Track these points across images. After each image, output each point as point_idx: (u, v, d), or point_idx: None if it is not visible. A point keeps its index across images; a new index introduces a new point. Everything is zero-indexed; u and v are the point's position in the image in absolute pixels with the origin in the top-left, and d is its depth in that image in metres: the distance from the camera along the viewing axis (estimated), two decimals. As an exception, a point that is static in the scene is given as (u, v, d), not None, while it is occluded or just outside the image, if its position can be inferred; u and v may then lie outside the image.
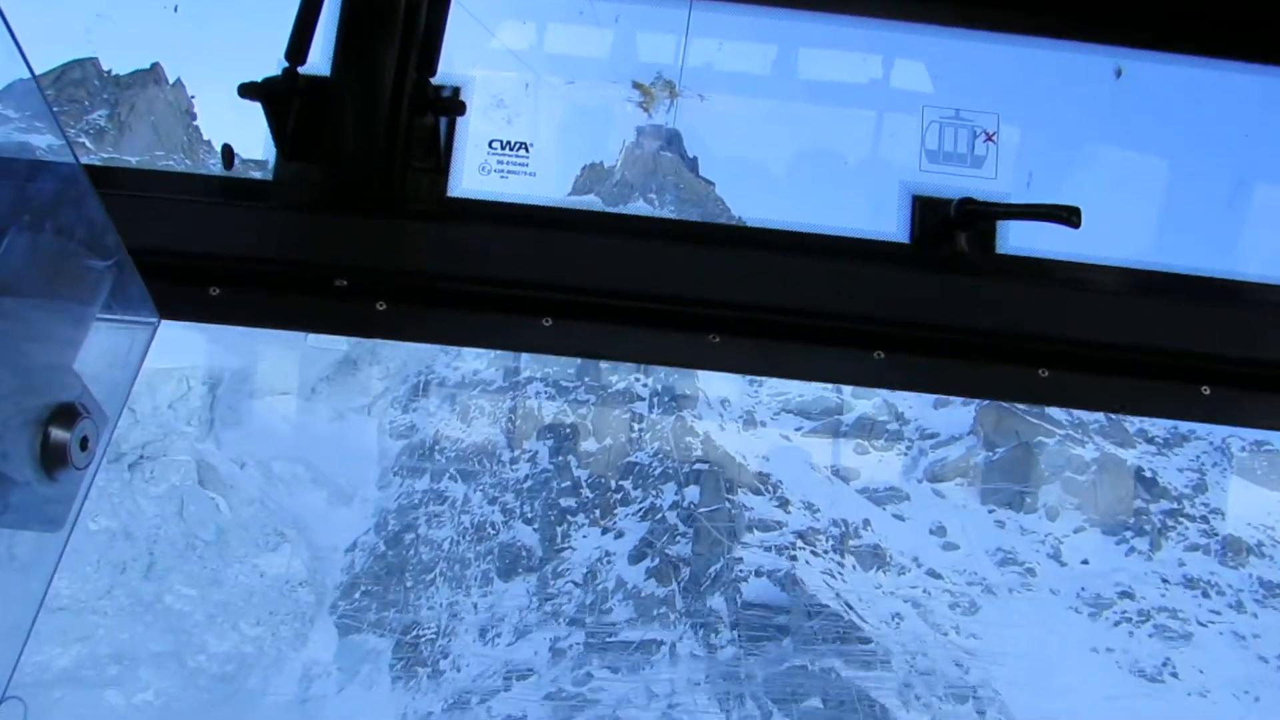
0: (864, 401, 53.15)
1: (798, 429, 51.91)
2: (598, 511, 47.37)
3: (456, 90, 2.93)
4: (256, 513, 47.99)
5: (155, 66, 48.97)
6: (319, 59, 2.77)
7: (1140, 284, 3.02)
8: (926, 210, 2.97)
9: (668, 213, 49.29)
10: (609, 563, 44.68)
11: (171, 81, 49.20)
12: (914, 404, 53.17)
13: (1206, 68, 2.98)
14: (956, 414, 52.26)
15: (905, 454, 51.30)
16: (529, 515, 47.96)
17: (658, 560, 43.68)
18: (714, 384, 51.80)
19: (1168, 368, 2.91)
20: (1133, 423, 52.00)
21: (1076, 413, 51.14)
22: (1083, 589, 44.10)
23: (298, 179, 2.86)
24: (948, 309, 2.88)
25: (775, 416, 52.35)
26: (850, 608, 40.46)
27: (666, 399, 50.13)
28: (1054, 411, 50.59)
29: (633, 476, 48.15)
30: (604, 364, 51.65)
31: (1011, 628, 41.49)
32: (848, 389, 52.92)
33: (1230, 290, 3.03)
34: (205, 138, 49.71)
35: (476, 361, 54.49)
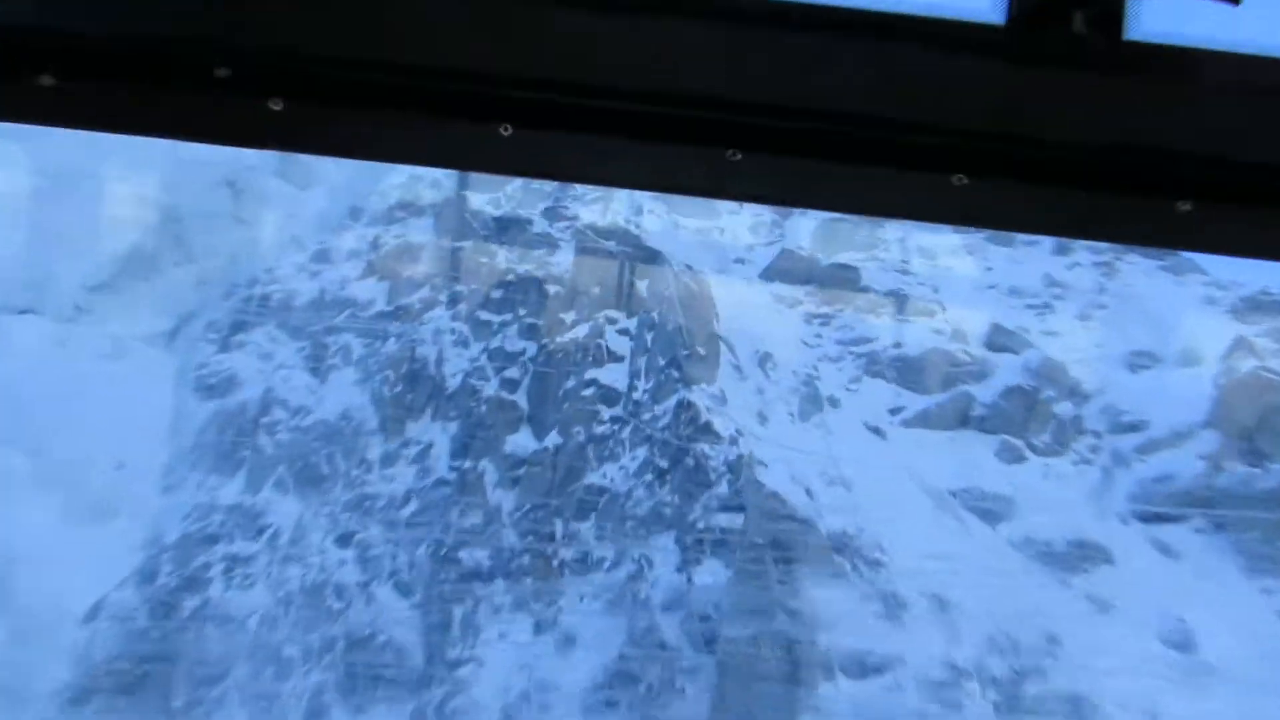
0: (1009, 356, 27.81)
1: (895, 411, 26.90)
2: (529, 581, 22.97)
3: None
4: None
5: None
6: None
7: None
8: None
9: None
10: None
11: None
12: (1096, 361, 28.25)
13: None
14: (1172, 381, 27.23)
15: (1090, 460, 26.40)
16: (405, 576, 23.80)
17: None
18: (744, 318, 27.06)
19: None
20: None
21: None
22: None
23: None
24: (1055, 118, 1.99)
25: (854, 384, 27.35)
26: None
27: (662, 359, 25.15)
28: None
29: (598, 514, 23.73)
30: (554, 288, 26.92)
31: None
32: (974, 332, 29.06)
33: None
34: None
35: (347, 266, 29.43)
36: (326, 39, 1.96)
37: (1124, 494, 25.45)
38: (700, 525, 22.31)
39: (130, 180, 30.67)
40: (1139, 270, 29.01)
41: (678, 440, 23.93)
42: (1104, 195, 2.04)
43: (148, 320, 30.13)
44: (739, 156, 1.99)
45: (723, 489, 22.68)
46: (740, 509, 22.30)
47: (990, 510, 24.54)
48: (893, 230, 29.55)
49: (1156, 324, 28.24)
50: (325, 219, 30.76)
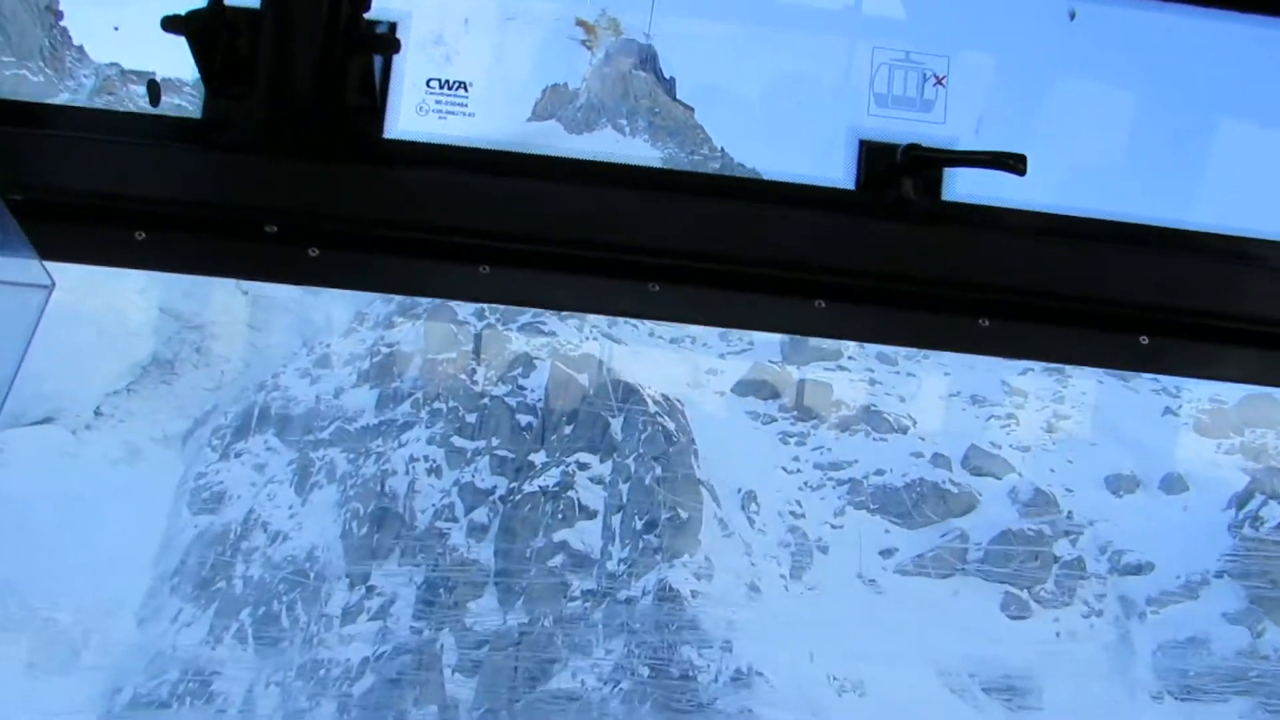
0: (990, 481, 24.83)
1: (887, 554, 23.83)
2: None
3: (392, 26, 2.44)
4: None
5: (7, -46, 35.28)
6: None
7: (1083, 232, 2.62)
8: (873, 156, 2.56)
9: (641, 141, 35.08)
10: None
11: (30, -28, 35.16)
12: (1078, 484, 24.93)
13: (1161, 11, 2.60)
14: (1163, 513, 24.06)
15: (1098, 612, 23.07)
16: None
17: None
18: (724, 465, 24.14)
19: (1108, 317, 2.58)
20: None
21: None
22: None
23: (226, 118, 2.42)
24: (891, 257, 2.55)
25: (838, 518, 24.42)
26: None
27: (639, 519, 22.72)
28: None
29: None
30: (528, 437, 25.32)
31: None
32: (953, 454, 26.46)
33: (1174, 239, 2.65)
34: (76, 42, 35.39)
35: (343, 371, 27.73)
36: (349, 204, 2.36)
37: (1148, 654, 22.38)
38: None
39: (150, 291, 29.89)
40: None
41: (651, 624, 20.98)
42: (926, 314, 2.45)
43: (164, 421, 28.67)
44: (657, 288, 2.42)
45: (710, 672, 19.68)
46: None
47: (1006, 682, 21.57)
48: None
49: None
50: (332, 323, 29.18)
